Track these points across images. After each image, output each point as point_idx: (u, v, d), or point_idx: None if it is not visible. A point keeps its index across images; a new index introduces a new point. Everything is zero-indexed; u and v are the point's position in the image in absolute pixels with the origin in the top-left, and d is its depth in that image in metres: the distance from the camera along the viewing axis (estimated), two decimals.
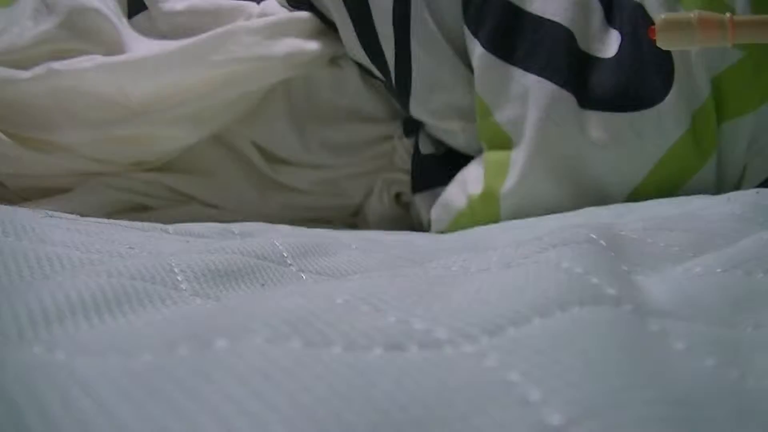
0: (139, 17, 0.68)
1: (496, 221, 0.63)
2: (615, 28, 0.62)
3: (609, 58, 0.61)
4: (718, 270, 0.23)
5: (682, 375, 0.15)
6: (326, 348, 0.14)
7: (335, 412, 0.12)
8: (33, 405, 0.12)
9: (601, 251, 0.22)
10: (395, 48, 0.67)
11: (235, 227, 0.40)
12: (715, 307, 0.20)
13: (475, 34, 0.64)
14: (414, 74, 0.67)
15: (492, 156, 0.64)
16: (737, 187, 0.60)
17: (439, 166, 0.72)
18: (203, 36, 0.64)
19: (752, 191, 0.48)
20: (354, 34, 0.67)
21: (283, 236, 0.36)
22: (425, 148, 0.72)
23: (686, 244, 0.30)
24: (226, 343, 0.14)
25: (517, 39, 0.63)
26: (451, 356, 0.14)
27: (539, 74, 0.61)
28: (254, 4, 0.70)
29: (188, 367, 0.13)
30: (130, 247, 0.28)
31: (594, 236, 0.23)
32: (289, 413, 0.12)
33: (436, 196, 0.70)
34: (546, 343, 0.15)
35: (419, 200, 0.72)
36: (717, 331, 0.18)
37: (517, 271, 0.19)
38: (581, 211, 0.56)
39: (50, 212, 0.34)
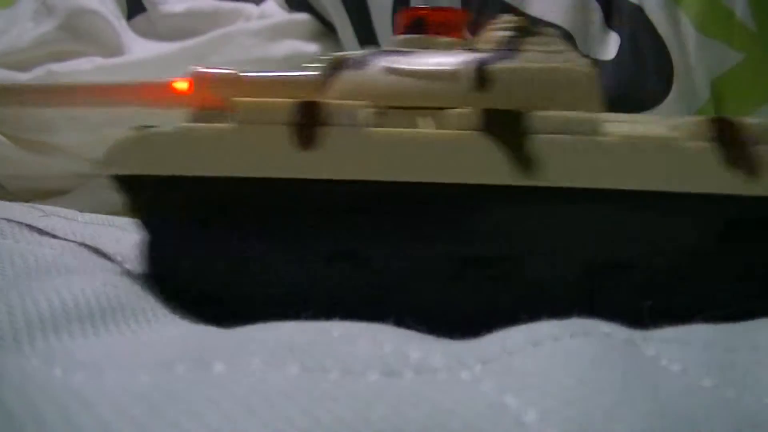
0: (139, 19, 0.69)
1: None
2: (614, 31, 0.62)
3: (608, 61, 0.61)
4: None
5: (678, 393, 0.15)
6: (323, 373, 0.14)
7: None
8: (32, 419, 0.12)
9: None
10: None
11: None
12: (711, 333, 0.20)
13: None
14: None
15: None
16: None
17: None
18: (202, 38, 0.64)
19: None
20: (353, 36, 0.67)
21: None
22: None
23: None
24: (225, 366, 0.14)
25: None
26: (447, 381, 0.14)
27: None
28: (253, 5, 0.70)
29: (188, 388, 0.13)
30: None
31: None
32: None
33: None
34: (540, 367, 0.15)
35: None
36: (714, 353, 0.18)
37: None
38: None
39: (44, 208, 0.34)
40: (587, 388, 0.14)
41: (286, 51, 0.66)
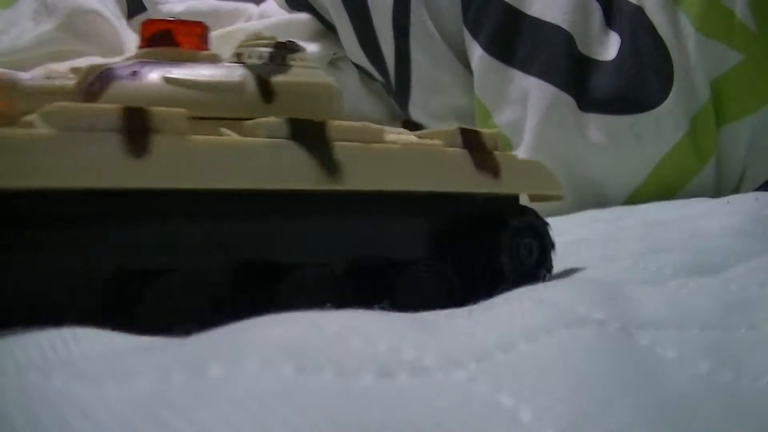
0: (139, 18, 0.69)
1: None
2: (614, 31, 0.62)
3: (608, 61, 0.61)
4: (712, 285, 0.23)
5: (673, 381, 0.16)
6: (317, 374, 0.14)
7: None
8: (32, 429, 0.12)
9: (586, 284, 0.22)
10: (395, 50, 0.67)
11: None
12: (708, 312, 0.20)
13: (475, 37, 0.64)
14: (413, 76, 0.67)
15: None
16: (737, 189, 0.60)
17: None
18: None
19: (752, 195, 0.48)
20: (354, 36, 0.67)
21: None
22: None
23: (680, 265, 0.31)
24: (221, 369, 0.14)
25: (516, 41, 0.63)
26: (441, 381, 0.14)
27: (539, 76, 0.61)
28: (253, 6, 0.70)
29: (184, 393, 0.13)
30: None
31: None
32: None
33: None
34: (534, 365, 0.15)
35: None
36: (710, 334, 0.19)
37: (499, 310, 0.19)
38: (581, 213, 0.57)
39: None
40: (582, 384, 0.14)
41: None
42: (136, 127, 0.23)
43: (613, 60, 0.61)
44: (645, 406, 0.14)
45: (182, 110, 0.24)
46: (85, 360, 0.15)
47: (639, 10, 0.60)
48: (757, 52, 0.58)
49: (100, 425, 0.13)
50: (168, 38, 0.28)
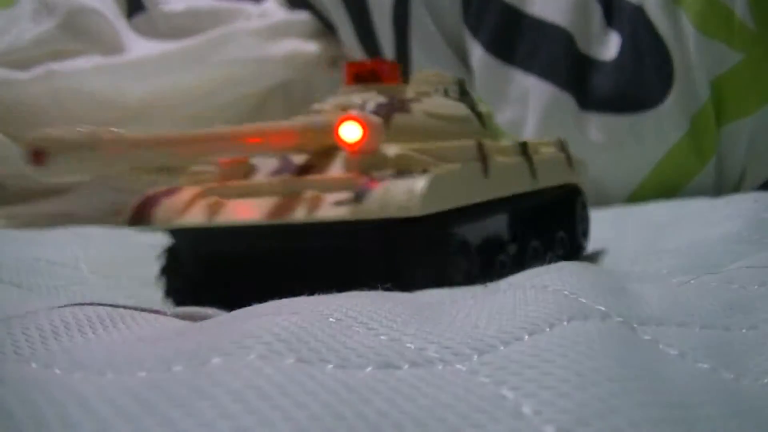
0: (138, 18, 0.69)
1: None
2: (615, 30, 0.62)
3: (609, 61, 0.61)
4: (713, 284, 0.24)
5: (676, 379, 0.15)
6: (319, 365, 0.14)
7: (329, 430, 0.12)
8: (31, 420, 0.12)
9: (589, 272, 0.22)
10: (395, 49, 0.67)
11: None
12: (709, 311, 0.20)
13: (475, 36, 0.64)
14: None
15: None
16: (737, 189, 0.60)
17: None
18: (202, 37, 0.64)
19: (751, 197, 0.48)
20: (353, 34, 0.67)
21: None
22: None
23: (678, 269, 0.31)
24: (221, 360, 0.14)
25: (517, 41, 0.63)
26: (443, 373, 0.14)
27: (539, 76, 0.61)
28: (253, 5, 0.70)
29: (184, 384, 0.13)
30: None
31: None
32: (284, 430, 0.12)
33: None
34: (536, 358, 0.15)
35: None
36: (711, 334, 0.19)
37: (504, 297, 0.19)
38: None
39: None
40: (584, 378, 0.14)
41: (286, 50, 0.66)
42: (482, 155, 0.32)
43: (613, 59, 0.61)
44: (648, 406, 0.14)
45: (491, 141, 0.34)
46: (86, 349, 0.15)
47: (639, 10, 0.60)
48: (757, 51, 0.58)
49: (98, 415, 0.13)
50: (374, 76, 0.35)
